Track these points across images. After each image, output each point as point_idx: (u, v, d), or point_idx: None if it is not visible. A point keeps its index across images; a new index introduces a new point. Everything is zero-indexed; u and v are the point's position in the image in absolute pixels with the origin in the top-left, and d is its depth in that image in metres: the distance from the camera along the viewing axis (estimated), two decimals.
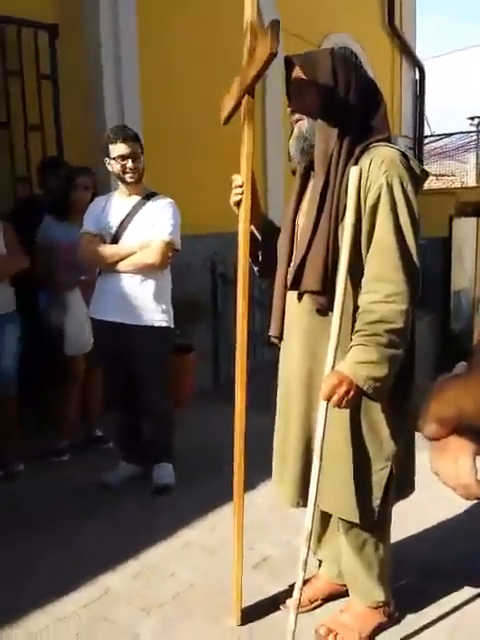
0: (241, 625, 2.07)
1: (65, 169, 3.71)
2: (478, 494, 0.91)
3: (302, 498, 1.88)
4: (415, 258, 1.66)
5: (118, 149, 2.90)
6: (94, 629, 2.10)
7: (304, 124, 1.77)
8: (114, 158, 2.92)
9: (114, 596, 2.29)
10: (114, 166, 2.95)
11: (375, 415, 1.78)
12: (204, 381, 4.67)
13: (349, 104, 1.71)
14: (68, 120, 4.25)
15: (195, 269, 4.97)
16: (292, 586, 1.96)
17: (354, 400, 1.66)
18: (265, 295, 1.79)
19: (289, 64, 1.80)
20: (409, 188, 1.65)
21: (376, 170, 1.64)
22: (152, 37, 4.87)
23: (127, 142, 2.90)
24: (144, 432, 3.28)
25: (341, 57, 1.77)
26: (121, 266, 2.97)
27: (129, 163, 2.92)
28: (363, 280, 1.69)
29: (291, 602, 1.93)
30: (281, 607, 2.14)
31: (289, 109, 1.84)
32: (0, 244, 3.13)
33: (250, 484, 2.43)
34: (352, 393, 1.63)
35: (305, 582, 1.96)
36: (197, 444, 3.64)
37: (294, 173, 1.92)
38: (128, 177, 2.95)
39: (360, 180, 1.65)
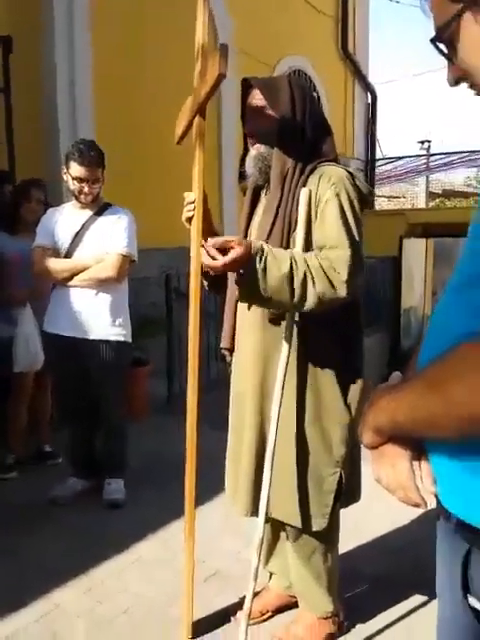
0: (192, 638, 2.07)
1: (10, 183, 3.67)
2: (416, 498, 0.96)
3: (255, 507, 1.90)
4: (360, 256, 1.70)
5: (77, 171, 2.87)
6: None
7: (261, 146, 1.85)
8: (73, 178, 2.90)
9: (65, 611, 2.25)
10: (70, 183, 2.93)
11: (326, 422, 1.83)
12: (158, 395, 4.66)
13: (305, 134, 1.81)
14: (20, 133, 4.23)
15: (150, 283, 4.98)
16: (243, 598, 1.97)
17: (227, 268, 1.64)
18: (219, 309, 1.80)
19: (246, 86, 1.86)
20: (355, 201, 1.74)
21: (325, 185, 1.73)
22: (106, 52, 4.91)
23: (89, 166, 2.86)
24: (96, 448, 3.25)
25: (298, 86, 1.85)
26: (77, 280, 2.94)
27: (86, 188, 2.91)
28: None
29: (242, 613, 1.94)
30: (232, 619, 2.15)
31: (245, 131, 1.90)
32: None
33: (201, 497, 2.43)
34: (230, 264, 1.61)
35: (256, 594, 1.98)
36: (150, 457, 3.63)
37: (244, 192, 1.99)
38: (82, 198, 2.94)
39: (310, 199, 1.74)
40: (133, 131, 5.18)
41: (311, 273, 1.62)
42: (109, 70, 4.94)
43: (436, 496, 0.95)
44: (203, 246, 1.67)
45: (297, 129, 1.80)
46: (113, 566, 2.55)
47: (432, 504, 0.97)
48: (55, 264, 2.96)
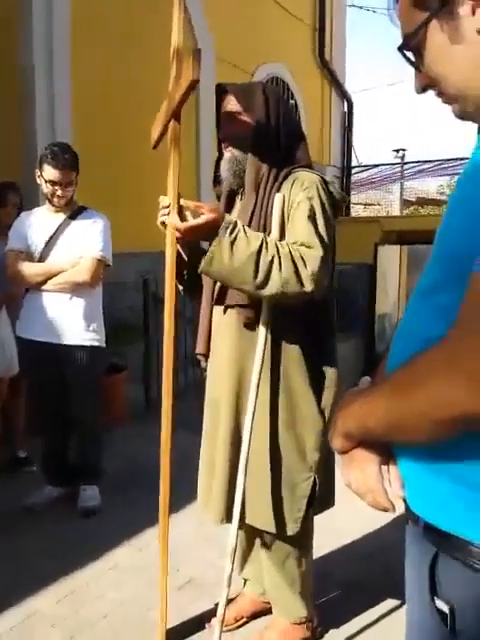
0: None
1: None
2: (385, 502, 0.96)
3: (228, 515, 1.90)
4: (329, 257, 1.71)
5: (51, 174, 2.85)
6: None
7: (235, 151, 1.86)
8: (46, 180, 2.88)
9: (42, 618, 2.24)
10: (43, 186, 2.91)
11: (300, 428, 1.84)
12: (135, 401, 4.63)
13: (279, 141, 1.82)
14: None
15: (127, 288, 4.95)
16: (217, 605, 1.96)
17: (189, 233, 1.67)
18: (195, 314, 1.81)
19: (221, 91, 1.87)
20: (327, 205, 1.75)
21: (297, 189, 1.74)
22: (85, 54, 4.88)
23: (63, 170, 2.84)
24: (71, 454, 3.21)
25: (272, 92, 1.86)
26: (50, 285, 2.91)
27: (59, 191, 2.89)
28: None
29: (216, 620, 1.93)
30: (206, 626, 2.14)
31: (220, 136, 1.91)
32: None
33: (176, 505, 2.43)
34: (196, 228, 1.64)
35: (230, 601, 1.98)
36: (126, 464, 3.60)
37: (218, 197, 2.00)
38: (55, 201, 2.92)
39: (284, 203, 1.75)
40: (111, 134, 5.16)
41: (279, 258, 1.62)
42: (88, 72, 4.91)
43: (404, 500, 0.96)
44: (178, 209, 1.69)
45: (271, 135, 1.81)
46: (91, 572, 2.54)
47: (401, 508, 0.98)
48: (28, 268, 2.93)
